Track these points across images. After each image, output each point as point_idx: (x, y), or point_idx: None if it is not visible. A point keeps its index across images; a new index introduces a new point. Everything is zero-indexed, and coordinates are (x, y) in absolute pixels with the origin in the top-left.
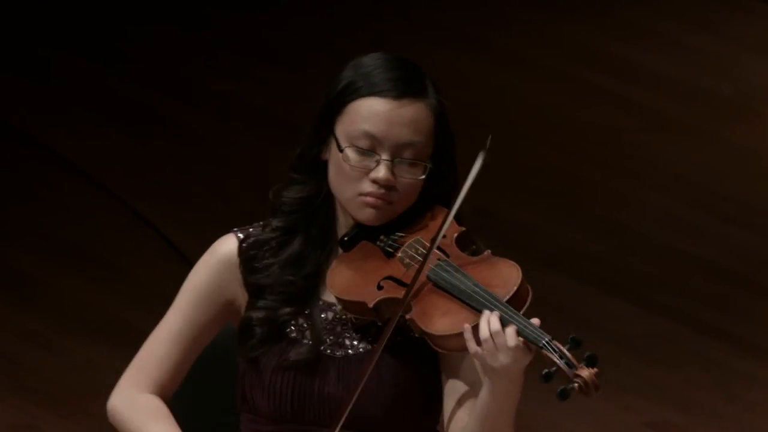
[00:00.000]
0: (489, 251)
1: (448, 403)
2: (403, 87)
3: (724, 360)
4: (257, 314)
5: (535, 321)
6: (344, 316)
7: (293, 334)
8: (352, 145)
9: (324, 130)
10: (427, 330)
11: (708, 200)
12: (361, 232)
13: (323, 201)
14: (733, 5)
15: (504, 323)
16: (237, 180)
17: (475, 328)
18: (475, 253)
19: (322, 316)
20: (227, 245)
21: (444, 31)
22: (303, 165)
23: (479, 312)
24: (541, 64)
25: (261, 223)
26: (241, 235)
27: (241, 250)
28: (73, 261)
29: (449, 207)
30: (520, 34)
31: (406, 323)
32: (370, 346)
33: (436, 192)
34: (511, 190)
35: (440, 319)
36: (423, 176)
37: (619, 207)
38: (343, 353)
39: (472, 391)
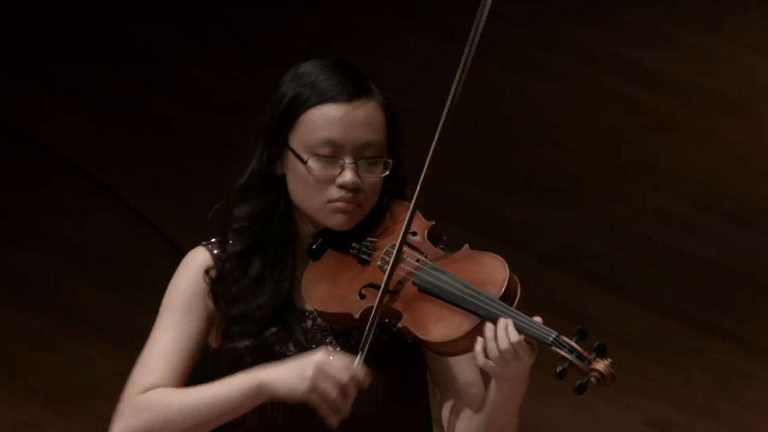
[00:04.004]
0: (467, 245)
1: (445, 405)
2: (351, 89)
3: (724, 359)
4: (243, 343)
5: (537, 319)
6: (323, 324)
7: (276, 348)
8: (314, 155)
9: (277, 146)
10: (424, 338)
11: (708, 199)
12: (327, 240)
13: (279, 215)
14: (731, 4)
15: (506, 326)
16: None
17: (475, 331)
18: (448, 246)
19: (302, 325)
20: (200, 256)
21: (444, 30)
22: (256, 183)
23: (474, 314)
24: (541, 63)
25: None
26: (214, 251)
27: (211, 284)
28: (74, 260)
29: (407, 200)
30: (520, 33)
31: (393, 325)
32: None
33: (391, 188)
34: (511, 190)
35: (435, 326)
36: (386, 173)
37: (619, 206)
38: None
39: (468, 391)
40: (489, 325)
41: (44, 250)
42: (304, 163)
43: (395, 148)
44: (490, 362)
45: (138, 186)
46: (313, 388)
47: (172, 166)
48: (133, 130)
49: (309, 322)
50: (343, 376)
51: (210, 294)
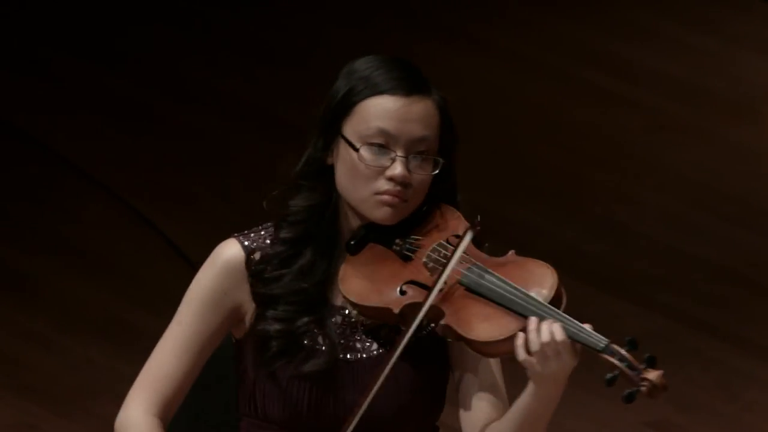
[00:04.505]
0: (513, 251)
1: (466, 406)
2: (410, 84)
3: (724, 359)
4: (274, 326)
5: (587, 325)
6: (354, 319)
7: (306, 341)
8: (366, 144)
9: (330, 135)
10: (469, 336)
11: (708, 200)
12: (369, 235)
13: (331, 208)
14: (733, 5)
15: (556, 328)
16: (237, 179)
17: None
18: (491, 252)
19: (332, 320)
20: (230, 251)
21: (444, 30)
22: (310, 171)
23: (522, 316)
24: (541, 64)
25: (260, 227)
26: (245, 242)
27: (249, 263)
28: (73, 261)
29: (452, 204)
30: (520, 33)
31: (432, 328)
32: (382, 349)
33: (439, 190)
34: (511, 190)
35: (481, 325)
36: (436, 171)
37: (619, 206)
38: (356, 357)
39: (491, 394)
40: (533, 319)
41: (44, 250)
42: (357, 150)
43: (447, 151)
44: (531, 358)
45: (138, 186)
46: None
47: (172, 167)
48: (133, 130)
49: (339, 318)
50: None
51: (249, 274)
